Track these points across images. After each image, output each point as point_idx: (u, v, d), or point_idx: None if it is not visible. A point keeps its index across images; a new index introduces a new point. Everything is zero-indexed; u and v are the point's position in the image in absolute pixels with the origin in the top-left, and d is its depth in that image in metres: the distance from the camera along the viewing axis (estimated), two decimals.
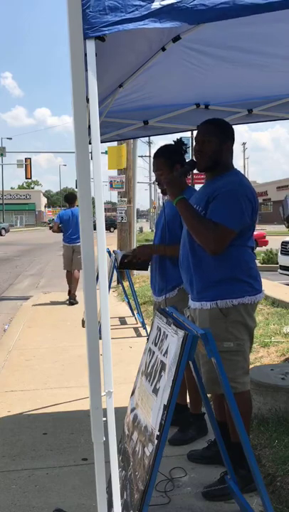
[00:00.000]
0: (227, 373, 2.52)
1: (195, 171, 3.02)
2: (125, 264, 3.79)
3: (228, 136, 2.75)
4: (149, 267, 3.59)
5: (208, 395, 2.84)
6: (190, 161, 2.92)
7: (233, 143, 2.79)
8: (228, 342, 2.62)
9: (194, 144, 2.84)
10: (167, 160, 3.32)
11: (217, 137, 2.72)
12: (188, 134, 31.74)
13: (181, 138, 3.35)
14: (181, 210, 2.70)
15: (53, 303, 9.14)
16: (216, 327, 2.58)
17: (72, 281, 8.99)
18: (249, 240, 2.70)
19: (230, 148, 2.77)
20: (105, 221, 2.96)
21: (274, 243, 14.82)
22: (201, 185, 3.03)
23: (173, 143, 3.31)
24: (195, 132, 2.99)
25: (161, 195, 3.75)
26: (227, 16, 1.73)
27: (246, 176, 3.04)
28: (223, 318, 2.63)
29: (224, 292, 2.63)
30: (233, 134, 2.80)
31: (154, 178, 3.64)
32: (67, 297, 9.06)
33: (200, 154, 2.76)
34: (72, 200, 8.96)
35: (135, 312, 7.33)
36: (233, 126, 2.92)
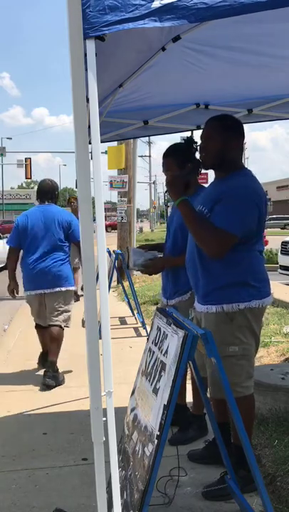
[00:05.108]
0: (232, 378, 2.48)
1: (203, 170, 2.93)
2: (136, 267, 3.56)
3: (235, 133, 2.66)
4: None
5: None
6: (194, 160, 2.77)
7: (241, 140, 2.69)
8: (233, 346, 2.57)
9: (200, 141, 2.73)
10: (176, 159, 3.16)
11: (222, 134, 2.62)
12: (188, 133, 31.63)
13: (191, 136, 3.18)
14: (182, 212, 2.63)
15: None
16: (222, 331, 2.55)
17: None
18: (257, 244, 2.65)
19: (238, 145, 2.67)
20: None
21: (274, 243, 14.80)
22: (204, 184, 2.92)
23: (183, 141, 3.17)
24: (195, 132, 2.96)
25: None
26: (227, 14, 1.72)
27: None
28: (229, 322, 2.58)
29: (231, 296, 2.58)
30: (242, 130, 2.70)
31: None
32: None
33: (205, 152, 2.67)
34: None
35: (135, 312, 7.32)
36: None
